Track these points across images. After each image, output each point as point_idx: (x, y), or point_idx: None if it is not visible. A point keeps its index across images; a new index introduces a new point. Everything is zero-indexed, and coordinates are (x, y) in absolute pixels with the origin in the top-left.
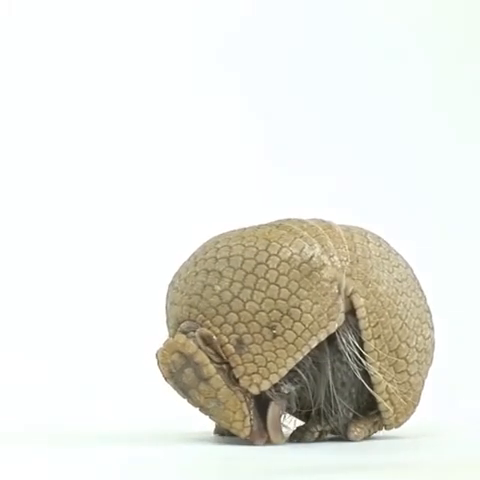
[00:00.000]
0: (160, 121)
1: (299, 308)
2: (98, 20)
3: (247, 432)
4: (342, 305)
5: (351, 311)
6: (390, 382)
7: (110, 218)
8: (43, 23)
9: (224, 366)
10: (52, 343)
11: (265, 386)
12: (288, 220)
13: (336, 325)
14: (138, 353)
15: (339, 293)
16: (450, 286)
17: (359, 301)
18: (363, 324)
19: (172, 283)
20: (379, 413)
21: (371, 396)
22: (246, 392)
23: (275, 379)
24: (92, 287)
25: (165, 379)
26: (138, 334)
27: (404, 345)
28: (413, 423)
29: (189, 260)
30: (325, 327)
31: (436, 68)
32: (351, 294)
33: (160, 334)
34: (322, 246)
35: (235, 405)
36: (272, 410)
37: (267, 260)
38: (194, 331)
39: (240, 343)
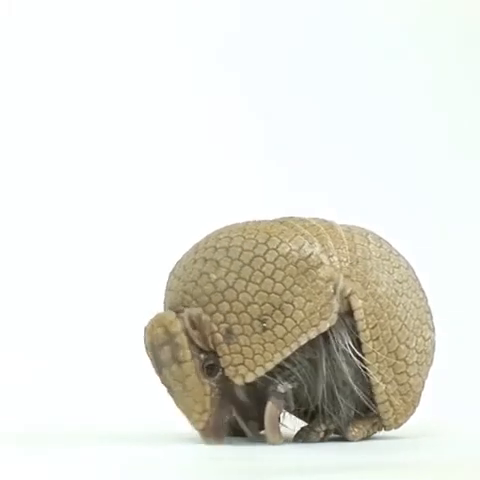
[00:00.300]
0: (163, 117)
1: (292, 304)
2: (97, 21)
3: (201, 426)
4: (336, 305)
5: (349, 312)
6: (389, 383)
7: (114, 215)
8: (42, 24)
9: (202, 355)
10: (52, 343)
11: (250, 378)
12: (291, 218)
13: (328, 325)
14: (138, 353)
15: (334, 293)
16: (449, 286)
17: (357, 303)
18: (361, 326)
19: (173, 270)
20: (378, 413)
21: (371, 396)
22: (214, 388)
23: (261, 372)
24: (95, 289)
25: (146, 349)
26: (138, 334)
27: (403, 346)
28: (413, 423)
29: (191, 249)
30: (316, 326)
31: (436, 67)
32: (349, 295)
33: None
34: (322, 245)
35: (198, 396)
36: (270, 410)
37: (265, 253)
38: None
39: (229, 333)
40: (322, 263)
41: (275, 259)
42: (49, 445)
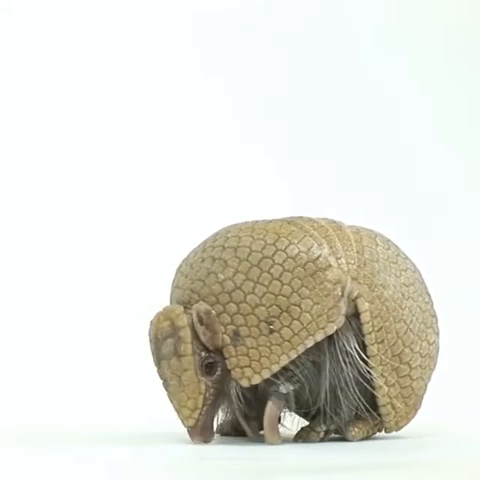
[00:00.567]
0: (171, 113)
1: (299, 306)
2: (97, 19)
3: (191, 423)
4: (343, 308)
5: (355, 314)
6: (392, 386)
7: (122, 210)
8: (39, 23)
9: (203, 353)
10: (52, 343)
11: (256, 380)
12: (300, 218)
13: (335, 327)
14: (137, 352)
15: (342, 296)
16: (452, 288)
17: (364, 305)
18: (367, 328)
19: (179, 267)
20: (380, 415)
21: (373, 397)
22: (209, 388)
23: (267, 374)
24: (94, 289)
25: (149, 340)
26: (139, 334)
27: (408, 350)
28: (413, 424)
29: (199, 246)
30: (323, 328)
31: (437, 67)
32: (356, 298)
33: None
34: (330, 247)
35: (193, 392)
36: (269, 410)
37: (273, 255)
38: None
39: (236, 335)
40: (330, 265)
41: (283, 261)
42: (49, 445)
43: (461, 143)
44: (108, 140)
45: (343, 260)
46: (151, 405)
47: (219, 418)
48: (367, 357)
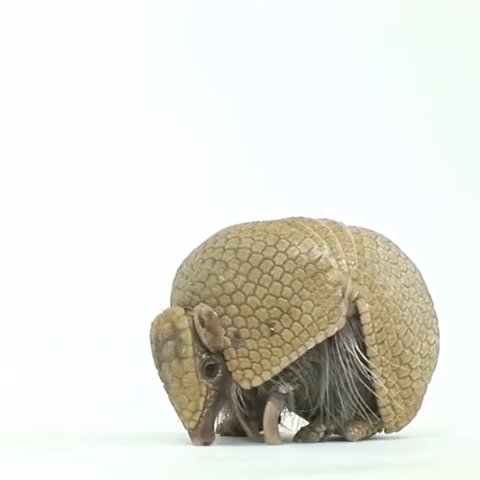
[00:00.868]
0: (171, 115)
1: (300, 308)
2: (94, 20)
3: (192, 425)
4: (344, 309)
5: (355, 315)
6: (392, 387)
7: (123, 211)
8: (39, 24)
9: (204, 355)
10: (52, 343)
11: (257, 382)
12: (300, 218)
13: (336, 329)
14: (137, 352)
15: (342, 297)
16: (452, 289)
17: (364, 306)
18: (367, 330)
19: (180, 267)
20: (380, 416)
21: (374, 398)
22: (210, 390)
23: (267, 376)
24: (95, 290)
25: (150, 342)
26: (139, 335)
27: (408, 351)
28: (413, 424)
29: (199, 247)
30: (324, 330)
31: (438, 66)
32: (356, 299)
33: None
34: (331, 248)
35: (194, 395)
36: (269, 410)
37: (274, 256)
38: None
39: (237, 337)
40: (331, 267)
41: (284, 262)
42: (49, 445)
43: (461, 143)
44: (109, 141)
45: (344, 261)
46: (151, 405)
47: (219, 418)
48: (367, 358)
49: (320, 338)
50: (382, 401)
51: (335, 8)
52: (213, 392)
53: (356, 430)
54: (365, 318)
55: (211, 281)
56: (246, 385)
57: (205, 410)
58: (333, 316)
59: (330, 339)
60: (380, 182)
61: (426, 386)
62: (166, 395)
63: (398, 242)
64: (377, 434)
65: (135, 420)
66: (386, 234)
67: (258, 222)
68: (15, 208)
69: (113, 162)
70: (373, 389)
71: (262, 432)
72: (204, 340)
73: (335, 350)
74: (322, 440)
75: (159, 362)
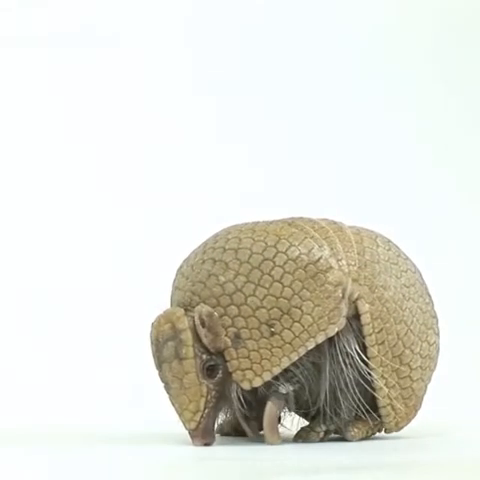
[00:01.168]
0: (171, 114)
1: (300, 309)
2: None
3: (193, 426)
4: (344, 310)
5: (356, 316)
6: (392, 387)
7: (123, 211)
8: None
9: (204, 356)
10: (53, 343)
11: (257, 383)
12: (300, 218)
13: (336, 329)
14: (137, 352)
15: (343, 297)
16: (452, 289)
17: (364, 307)
18: (367, 330)
19: (180, 267)
20: (380, 416)
21: (374, 398)
22: (211, 390)
23: (268, 377)
24: (95, 290)
25: (151, 343)
26: (140, 335)
27: (408, 351)
28: (413, 424)
29: (199, 247)
30: (324, 330)
31: (439, 65)
32: (356, 299)
33: None
34: (331, 249)
35: (194, 395)
36: (269, 410)
37: (274, 257)
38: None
39: (237, 337)
40: (331, 267)
41: (284, 263)
42: (49, 445)
43: (461, 143)
44: (108, 141)
45: (344, 261)
46: (151, 406)
47: (219, 418)
48: (367, 358)
49: (320, 338)
50: (382, 401)
51: (335, 9)
52: (214, 393)
53: (356, 430)
54: (365, 318)
55: (211, 281)
56: (246, 386)
57: (206, 411)
58: (333, 316)
59: (330, 339)
60: (380, 182)
61: (426, 386)
62: (166, 396)
63: (398, 242)
64: (377, 434)
65: (135, 420)
66: (386, 234)
67: (258, 222)
68: (15, 208)
69: (113, 162)
70: (373, 389)
71: (262, 432)
72: (205, 341)
73: (335, 350)
74: (322, 440)
75: (159, 363)
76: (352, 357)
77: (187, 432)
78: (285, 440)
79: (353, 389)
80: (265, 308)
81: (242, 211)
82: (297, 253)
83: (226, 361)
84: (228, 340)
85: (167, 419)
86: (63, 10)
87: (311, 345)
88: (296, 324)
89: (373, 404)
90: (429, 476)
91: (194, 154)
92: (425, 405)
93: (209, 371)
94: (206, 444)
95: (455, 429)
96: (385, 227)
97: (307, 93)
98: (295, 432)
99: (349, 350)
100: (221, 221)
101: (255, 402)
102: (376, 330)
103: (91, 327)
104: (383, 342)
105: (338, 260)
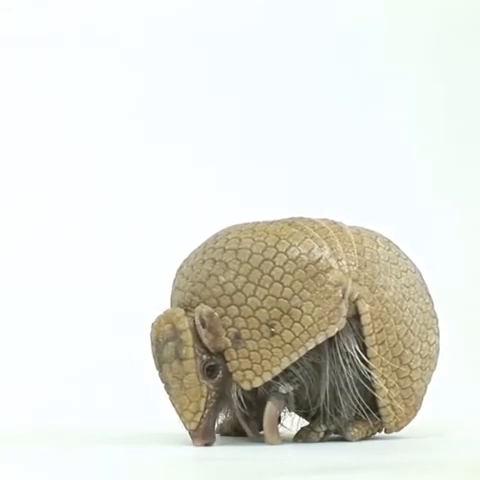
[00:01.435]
0: (168, 116)
1: (300, 309)
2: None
3: (193, 426)
4: (344, 310)
5: (356, 316)
6: (392, 388)
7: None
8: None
9: (205, 356)
10: (53, 344)
11: (257, 383)
12: (300, 218)
13: (336, 329)
14: (137, 352)
15: (343, 298)
16: (452, 289)
17: (364, 307)
18: (367, 330)
19: (180, 268)
20: (380, 416)
21: (374, 398)
22: (211, 391)
23: (268, 377)
24: (94, 289)
25: (151, 343)
26: (140, 336)
27: (408, 351)
28: (413, 424)
29: (199, 247)
30: (324, 330)
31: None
32: (357, 300)
33: None
34: (331, 249)
35: (195, 396)
36: (269, 410)
37: (274, 257)
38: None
39: (237, 337)
40: (331, 267)
41: (284, 263)
42: (49, 445)
43: (462, 143)
44: (108, 141)
45: (344, 262)
46: (151, 406)
47: (219, 419)
48: (367, 359)
49: (320, 339)
50: (382, 401)
51: (335, 9)
52: (214, 393)
53: (356, 430)
54: (365, 319)
55: (211, 282)
56: (247, 386)
57: (206, 411)
58: (333, 317)
59: (330, 340)
60: (380, 182)
61: (426, 386)
62: (167, 396)
63: (398, 242)
64: (377, 434)
65: (135, 420)
66: (386, 234)
67: (258, 222)
68: (14, 208)
69: (113, 163)
70: (373, 389)
71: (262, 432)
72: (205, 341)
73: (335, 350)
74: (322, 440)
75: (160, 363)
76: (352, 357)
77: (187, 432)
78: (285, 440)
79: (353, 389)
80: (265, 308)
81: (242, 211)
82: (297, 253)
83: (226, 361)
84: (228, 340)
85: (167, 419)
86: (63, 10)
87: (311, 345)
88: (296, 324)
89: (373, 404)
90: (429, 476)
91: (194, 154)
92: (425, 405)
93: (209, 371)
94: (206, 444)
95: (455, 429)
96: (385, 227)
97: (307, 93)
98: (295, 432)
99: (349, 350)
100: (221, 221)
101: (255, 402)
102: (376, 330)
103: (91, 327)
104: (383, 342)
105: (338, 260)
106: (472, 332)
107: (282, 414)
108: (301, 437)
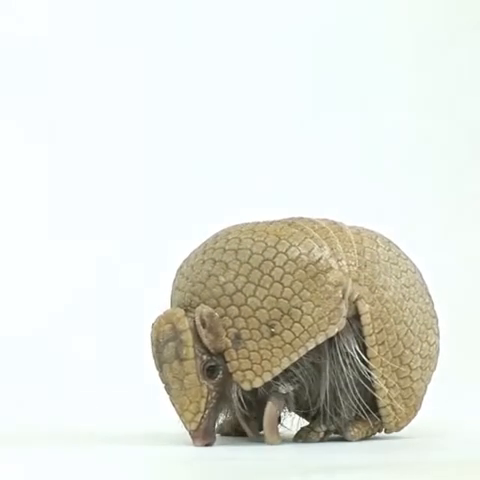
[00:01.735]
0: (171, 111)
1: (300, 309)
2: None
3: (193, 426)
4: (345, 310)
5: (356, 316)
6: (392, 388)
7: (123, 211)
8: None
9: (205, 357)
10: (53, 345)
11: (257, 383)
12: (300, 219)
13: (336, 329)
14: (137, 352)
15: (343, 298)
16: (452, 289)
17: (364, 307)
18: (367, 330)
19: (180, 268)
20: (380, 417)
21: (374, 398)
22: (211, 391)
23: (268, 377)
24: (94, 289)
25: (151, 344)
26: (140, 336)
27: (408, 351)
28: (413, 424)
29: (199, 247)
30: (324, 330)
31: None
32: (357, 300)
33: None
34: (331, 249)
35: (195, 396)
36: (269, 410)
37: (274, 257)
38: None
39: (237, 338)
40: (331, 267)
41: (284, 263)
42: (49, 445)
43: (462, 143)
44: (108, 141)
45: (344, 262)
46: (151, 406)
47: (219, 419)
48: (367, 359)
49: (320, 339)
50: (382, 401)
51: (335, 8)
52: (214, 393)
53: (356, 430)
54: (365, 319)
55: (211, 282)
56: (247, 386)
57: (206, 411)
58: (333, 317)
59: (330, 340)
60: (380, 182)
61: (426, 386)
62: (167, 396)
63: (398, 242)
64: (377, 434)
65: (135, 420)
66: (386, 234)
67: (258, 222)
68: (14, 208)
69: (114, 162)
70: (373, 389)
71: (262, 432)
72: (205, 341)
73: (335, 351)
74: (322, 440)
75: (160, 363)
76: (352, 357)
77: (187, 432)
78: (285, 440)
79: (353, 389)
80: (265, 308)
81: (242, 211)
82: (297, 253)
83: (226, 362)
84: (228, 341)
85: (167, 419)
86: (63, 10)
87: (311, 345)
88: (296, 324)
89: (373, 404)
90: (429, 476)
91: (194, 154)
92: (425, 405)
93: (209, 372)
94: (207, 444)
95: (455, 429)
96: (385, 227)
97: (307, 93)
98: (295, 432)
99: (349, 350)
100: (221, 221)
101: (255, 402)
102: (376, 330)
103: (91, 327)
104: (383, 342)
105: (338, 260)
106: (472, 332)
107: (282, 414)
108: (301, 437)
